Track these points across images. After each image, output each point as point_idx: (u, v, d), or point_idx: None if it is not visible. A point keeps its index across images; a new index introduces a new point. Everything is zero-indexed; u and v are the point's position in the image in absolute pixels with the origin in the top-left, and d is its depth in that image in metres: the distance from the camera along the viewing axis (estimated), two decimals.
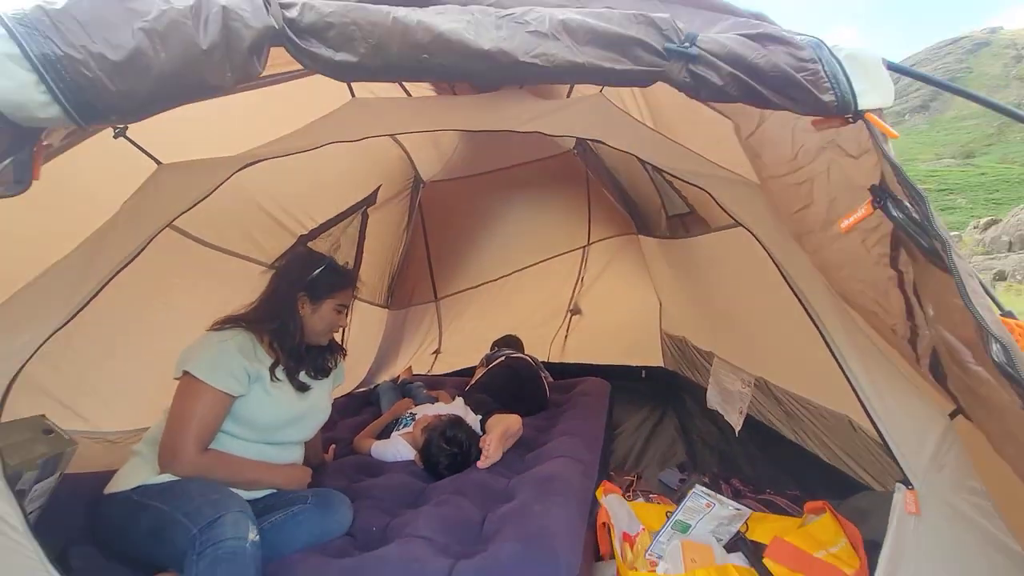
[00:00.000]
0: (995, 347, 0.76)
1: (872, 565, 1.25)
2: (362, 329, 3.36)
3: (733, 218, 1.60)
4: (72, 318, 1.32)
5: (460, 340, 4.00)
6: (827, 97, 0.84)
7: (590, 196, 3.73)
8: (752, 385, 2.39)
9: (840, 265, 1.21)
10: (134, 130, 1.54)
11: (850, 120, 0.85)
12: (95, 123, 0.73)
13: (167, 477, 1.52)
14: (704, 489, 1.44)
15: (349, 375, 3.30)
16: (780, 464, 2.40)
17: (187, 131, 1.64)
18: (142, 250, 1.42)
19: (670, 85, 0.87)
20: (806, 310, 1.46)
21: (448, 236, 3.83)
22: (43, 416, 1.57)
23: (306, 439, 1.86)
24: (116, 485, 1.54)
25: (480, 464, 2.03)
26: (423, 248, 3.84)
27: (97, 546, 1.48)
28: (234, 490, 1.53)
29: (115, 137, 1.49)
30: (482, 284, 3.99)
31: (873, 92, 0.86)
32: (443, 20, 0.82)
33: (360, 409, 3.10)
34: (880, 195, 0.88)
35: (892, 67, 0.89)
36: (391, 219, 3.29)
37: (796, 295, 1.49)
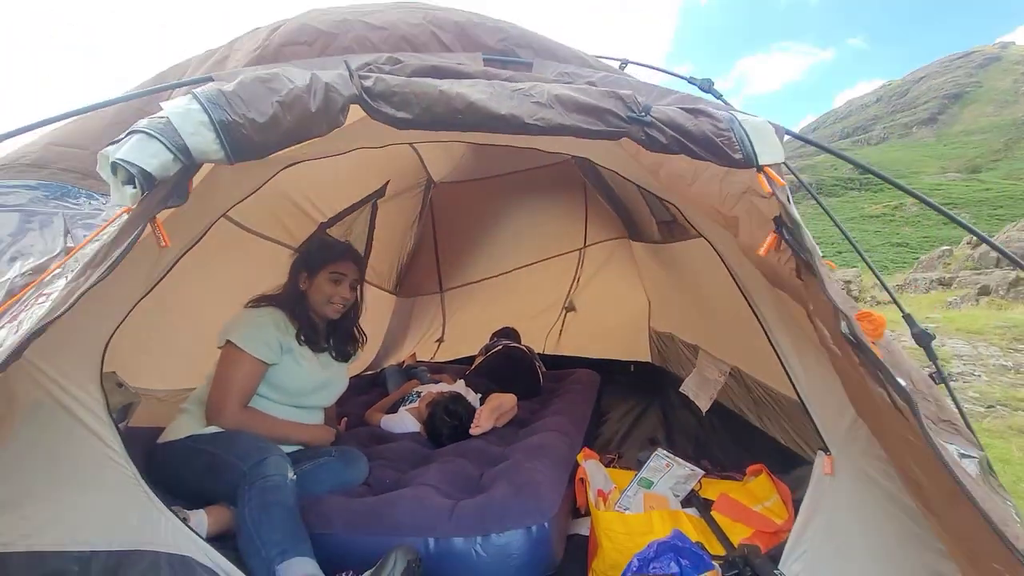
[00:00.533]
0: (843, 324, 1.05)
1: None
2: (371, 313, 3.64)
3: (696, 231, 1.89)
4: (151, 290, 1.61)
5: (462, 330, 4.28)
6: (737, 155, 1.17)
7: (587, 202, 4.01)
8: (727, 374, 2.68)
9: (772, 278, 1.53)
10: None
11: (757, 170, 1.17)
12: (240, 161, 1.09)
13: (215, 429, 1.81)
14: (665, 452, 1.73)
15: (359, 357, 3.62)
16: (746, 447, 2.68)
17: None
18: (205, 233, 1.71)
19: (632, 140, 1.21)
20: (752, 308, 1.74)
21: (455, 233, 4.13)
22: (115, 372, 1.87)
23: (327, 405, 2.15)
24: (170, 435, 1.83)
25: (472, 430, 2.31)
26: (432, 242, 4.14)
27: (154, 487, 1.76)
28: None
29: None
30: (485, 279, 4.28)
31: (768, 152, 1.19)
32: (473, 91, 1.16)
33: (368, 389, 3.37)
34: (779, 224, 1.19)
35: (787, 132, 1.22)
36: (402, 212, 3.59)
37: (744, 296, 1.77)
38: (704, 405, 2.75)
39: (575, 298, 4.26)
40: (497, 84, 1.20)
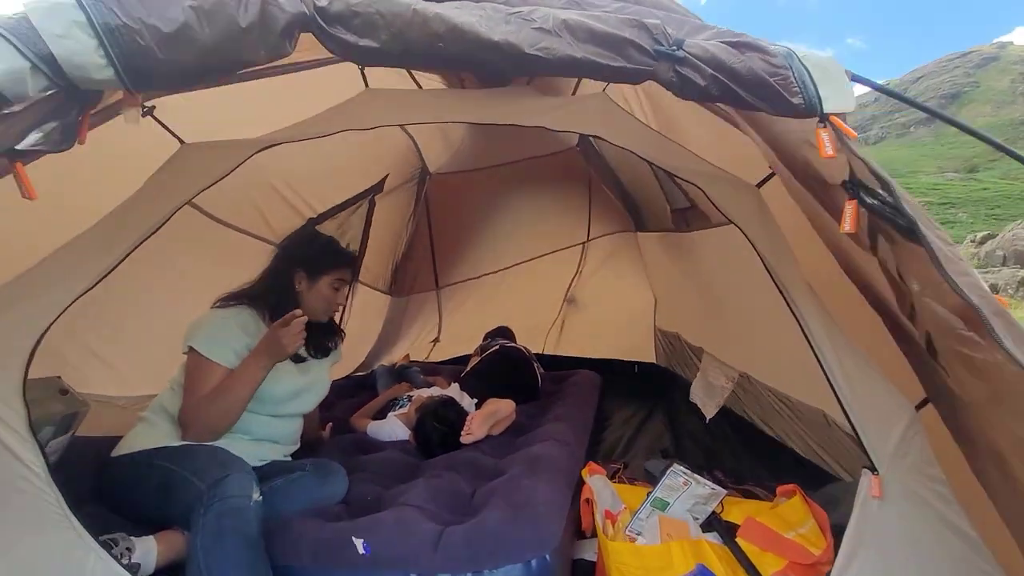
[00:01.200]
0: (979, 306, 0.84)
1: (838, 546, 1.34)
2: (363, 313, 3.45)
3: (725, 215, 1.68)
4: (95, 284, 1.40)
5: (458, 329, 4.07)
6: (796, 100, 0.93)
7: (591, 193, 3.81)
8: (735, 381, 2.49)
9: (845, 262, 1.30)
10: (160, 110, 1.62)
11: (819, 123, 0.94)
12: (142, 89, 0.82)
13: (175, 441, 1.61)
14: (682, 468, 1.53)
15: (348, 357, 3.40)
16: (759, 457, 2.50)
17: (209, 114, 1.73)
18: (164, 223, 1.50)
19: (659, 83, 0.96)
20: (790, 306, 1.54)
21: (452, 227, 3.91)
22: (59, 377, 1.66)
23: (307, 412, 1.95)
24: (124, 447, 1.62)
25: (463, 438, 2.11)
26: (427, 238, 3.92)
27: (104, 506, 1.55)
28: (239, 456, 1.60)
29: (142, 115, 1.57)
30: (482, 275, 4.07)
31: (836, 97, 0.94)
32: (458, 13, 0.92)
33: (357, 391, 3.17)
34: (852, 187, 0.97)
35: (855, 78, 0.99)
36: (396, 207, 3.37)
37: (781, 292, 1.57)
38: (710, 413, 2.55)
39: (576, 293, 4.06)
40: (489, 6, 0.96)
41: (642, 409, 3.57)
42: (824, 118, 0.94)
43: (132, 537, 1.36)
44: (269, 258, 1.94)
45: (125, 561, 1.30)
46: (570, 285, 4.05)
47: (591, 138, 3.16)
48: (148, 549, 1.35)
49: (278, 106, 1.83)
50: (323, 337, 1.98)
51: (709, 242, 2.55)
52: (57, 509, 1.20)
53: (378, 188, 2.97)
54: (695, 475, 1.52)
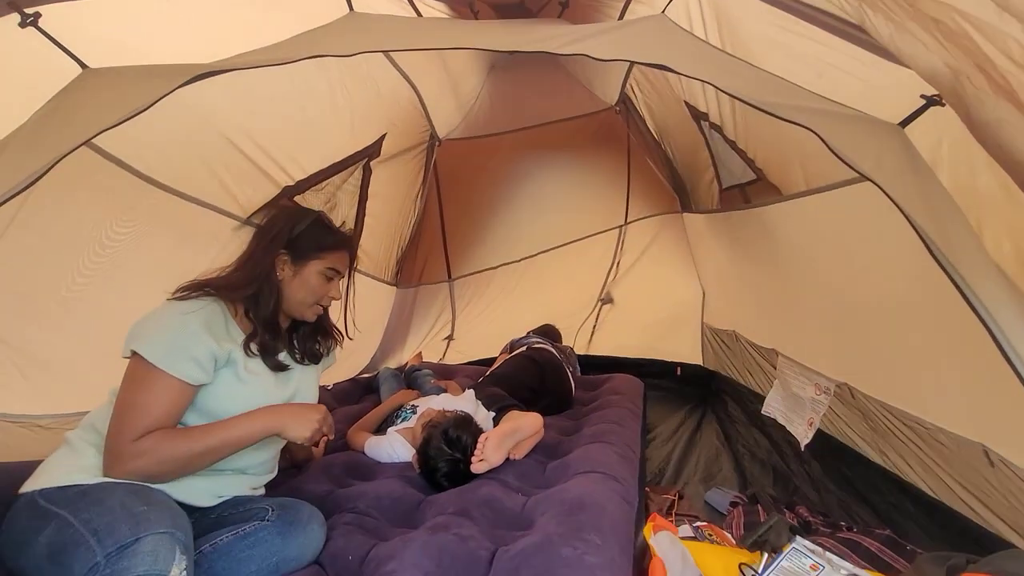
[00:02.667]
0: None
1: None
2: (366, 308, 2.95)
3: (855, 169, 1.16)
4: None
5: (476, 328, 3.63)
6: None
7: (630, 166, 3.29)
8: (831, 392, 1.95)
9: None
10: (52, 23, 1.16)
11: None
12: None
13: (89, 478, 1.16)
14: (806, 543, 1.02)
15: (351, 358, 2.96)
16: (858, 491, 1.97)
17: (125, 32, 1.27)
18: (49, 169, 1.05)
19: None
20: (964, 295, 1.02)
21: (466, 206, 3.41)
22: None
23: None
24: (29, 484, 1.18)
25: (474, 467, 1.65)
26: (437, 219, 3.42)
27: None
28: (175, 498, 1.19)
29: (22, 26, 1.12)
30: (501, 265, 3.58)
31: None
32: None
33: (362, 397, 2.77)
34: None
35: None
36: (401, 179, 2.87)
37: (941, 266, 1.05)
38: (803, 435, 2.02)
39: (613, 288, 3.55)
40: None
41: (689, 420, 3.12)
42: None
43: None
44: (236, 237, 1.55)
45: None
46: (606, 280, 3.56)
47: (636, 90, 2.66)
48: None
49: (227, 29, 1.36)
50: (313, 342, 1.55)
51: (783, 218, 2.02)
52: None
53: (374, 151, 2.45)
54: (827, 554, 1.01)
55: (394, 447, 1.94)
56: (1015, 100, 0.94)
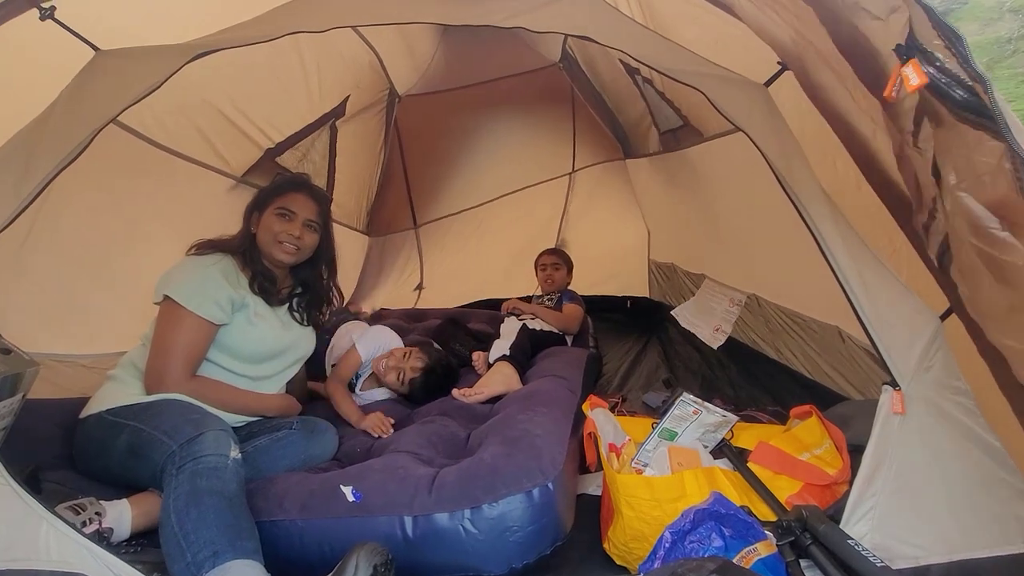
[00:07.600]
0: None
1: (855, 466, 1.26)
2: (341, 255, 3.22)
3: (730, 121, 1.50)
4: (13, 220, 1.20)
5: (443, 274, 3.87)
6: None
7: (575, 117, 3.55)
8: (742, 304, 2.37)
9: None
10: (66, 14, 1.35)
11: None
12: None
13: (145, 398, 1.46)
14: (691, 397, 1.42)
15: None
16: (761, 383, 2.43)
17: (126, 16, 1.46)
18: (87, 146, 1.28)
19: None
20: (802, 217, 1.39)
21: (427, 157, 3.63)
22: None
23: (292, 371, 1.80)
24: (92, 407, 1.48)
25: (466, 395, 1.90)
26: (401, 169, 3.64)
27: (75, 470, 1.43)
28: (217, 413, 1.49)
29: (42, 19, 1.31)
30: (462, 211, 3.83)
31: None
32: None
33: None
34: (906, 51, 0.80)
35: None
36: (366, 135, 3.08)
37: (792, 200, 1.42)
38: (711, 339, 2.45)
39: (566, 231, 3.86)
40: None
41: (637, 343, 3.50)
42: None
43: (102, 501, 1.24)
44: (232, 196, 1.83)
45: (93, 527, 1.18)
46: (560, 224, 3.84)
47: (574, 51, 2.90)
48: (120, 513, 1.24)
49: (209, 7, 1.56)
50: (315, 305, 1.84)
51: (705, 157, 2.37)
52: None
53: (339, 111, 2.67)
54: (705, 403, 1.42)
55: (372, 394, 2.13)
56: (835, 69, 1.28)
